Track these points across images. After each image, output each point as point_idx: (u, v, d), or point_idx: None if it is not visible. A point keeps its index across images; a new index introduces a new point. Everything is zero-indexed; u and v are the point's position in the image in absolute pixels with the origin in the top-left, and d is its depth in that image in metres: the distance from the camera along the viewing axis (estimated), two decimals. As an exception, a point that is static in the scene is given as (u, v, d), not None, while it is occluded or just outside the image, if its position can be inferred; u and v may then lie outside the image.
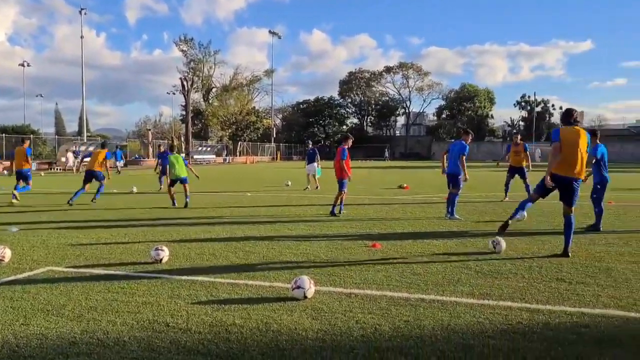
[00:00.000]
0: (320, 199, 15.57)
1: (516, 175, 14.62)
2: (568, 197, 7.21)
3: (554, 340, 4.07)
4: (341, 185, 11.69)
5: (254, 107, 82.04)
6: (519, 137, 15.06)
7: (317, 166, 19.58)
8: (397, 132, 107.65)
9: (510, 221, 7.64)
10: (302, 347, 3.94)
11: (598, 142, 9.82)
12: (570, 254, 7.18)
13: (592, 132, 8.83)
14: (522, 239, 8.54)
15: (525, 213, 8.89)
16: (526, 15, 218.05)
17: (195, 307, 4.91)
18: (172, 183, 13.72)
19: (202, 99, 79.56)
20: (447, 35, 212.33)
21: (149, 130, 65.98)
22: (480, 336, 4.17)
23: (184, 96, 65.39)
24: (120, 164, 37.00)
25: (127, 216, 11.70)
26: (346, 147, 11.81)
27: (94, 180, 14.29)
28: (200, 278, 5.99)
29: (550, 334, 4.23)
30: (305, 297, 5.09)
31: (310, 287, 5.12)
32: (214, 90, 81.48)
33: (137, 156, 57.36)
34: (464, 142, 11.19)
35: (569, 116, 7.31)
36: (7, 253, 6.79)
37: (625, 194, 17.71)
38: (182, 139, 66.71)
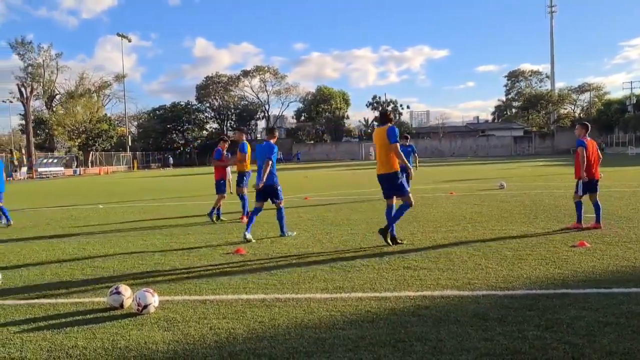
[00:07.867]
0: (178, 207, 15.09)
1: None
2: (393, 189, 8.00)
3: (398, 324, 4.33)
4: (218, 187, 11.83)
5: (106, 114, 77.22)
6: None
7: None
8: (259, 136, 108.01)
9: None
10: (151, 362, 3.77)
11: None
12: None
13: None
14: (375, 233, 9.01)
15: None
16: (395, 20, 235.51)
17: (32, 333, 4.46)
18: None
19: (44, 107, 73.20)
20: (329, 40, 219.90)
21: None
22: (332, 328, 4.30)
23: (23, 104, 59.64)
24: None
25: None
26: (221, 148, 12.18)
27: None
28: (38, 301, 5.47)
29: (395, 318, 4.50)
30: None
31: (153, 300, 4.88)
32: (58, 97, 75.37)
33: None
34: (271, 143, 9.08)
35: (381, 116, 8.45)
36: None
37: (462, 184, 19.51)
38: (24, 150, 60.87)
